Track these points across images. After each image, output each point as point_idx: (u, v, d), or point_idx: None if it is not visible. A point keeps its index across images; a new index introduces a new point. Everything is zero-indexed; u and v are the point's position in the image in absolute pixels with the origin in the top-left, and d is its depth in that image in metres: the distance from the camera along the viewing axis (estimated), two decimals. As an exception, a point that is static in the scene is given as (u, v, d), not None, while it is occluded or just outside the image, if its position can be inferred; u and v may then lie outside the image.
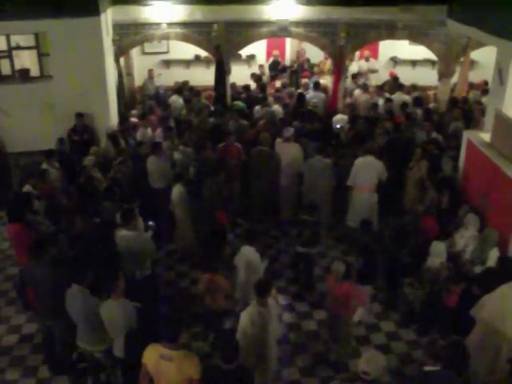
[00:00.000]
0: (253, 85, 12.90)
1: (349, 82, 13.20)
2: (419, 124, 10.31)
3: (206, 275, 6.38)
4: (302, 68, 14.26)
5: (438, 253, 7.02)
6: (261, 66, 14.13)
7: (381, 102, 11.60)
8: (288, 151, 9.23)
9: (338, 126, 10.71)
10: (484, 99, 11.34)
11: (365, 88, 12.24)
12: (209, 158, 9.05)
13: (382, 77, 13.81)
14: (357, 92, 12.37)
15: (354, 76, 13.02)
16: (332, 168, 8.90)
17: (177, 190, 8.15)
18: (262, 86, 12.43)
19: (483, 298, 5.66)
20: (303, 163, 9.08)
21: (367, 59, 14.00)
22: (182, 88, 12.68)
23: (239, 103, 11.73)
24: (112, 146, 9.53)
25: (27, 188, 7.91)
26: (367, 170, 8.47)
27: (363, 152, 8.63)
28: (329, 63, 13.59)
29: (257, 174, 9.30)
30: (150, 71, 13.38)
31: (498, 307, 5.46)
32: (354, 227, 8.74)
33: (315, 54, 13.96)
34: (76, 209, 7.60)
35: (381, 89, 12.26)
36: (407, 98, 11.71)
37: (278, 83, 13.17)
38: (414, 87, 12.66)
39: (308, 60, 14.62)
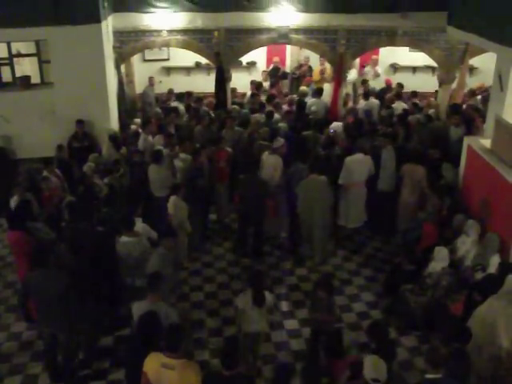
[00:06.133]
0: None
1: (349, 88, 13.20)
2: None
3: None
4: (305, 75, 14.22)
5: (441, 258, 7.04)
6: (264, 73, 14.13)
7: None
8: (270, 161, 8.97)
9: (332, 131, 10.62)
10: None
11: (373, 94, 12.24)
12: (203, 165, 8.95)
13: (383, 83, 13.81)
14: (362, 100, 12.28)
15: (364, 82, 13.00)
16: (329, 185, 8.30)
17: (172, 202, 7.94)
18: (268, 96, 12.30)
19: (475, 311, 5.64)
20: (297, 185, 8.55)
21: (375, 64, 14.02)
22: (183, 95, 12.66)
23: (238, 108, 11.70)
24: (114, 148, 9.55)
25: (27, 195, 7.90)
26: (360, 167, 8.65)
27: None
28: (321, 69, 13.64)
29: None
30: (151, 78, 13.36)
31: (487, 320, 5.42)
32: (343, 225, 8.96)
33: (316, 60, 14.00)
34: (77, 216, 7.58)
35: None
36: (405, 106, 11.68)
37: (277, 89, 13.14)
38: (414, 94, 12.64)
39: (310, 67, 14.63)
